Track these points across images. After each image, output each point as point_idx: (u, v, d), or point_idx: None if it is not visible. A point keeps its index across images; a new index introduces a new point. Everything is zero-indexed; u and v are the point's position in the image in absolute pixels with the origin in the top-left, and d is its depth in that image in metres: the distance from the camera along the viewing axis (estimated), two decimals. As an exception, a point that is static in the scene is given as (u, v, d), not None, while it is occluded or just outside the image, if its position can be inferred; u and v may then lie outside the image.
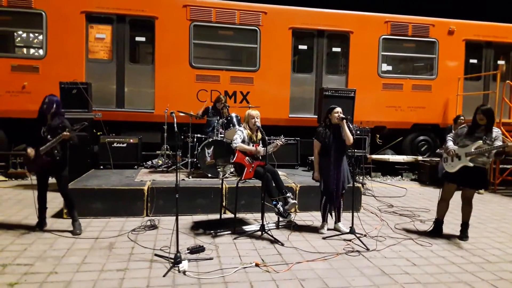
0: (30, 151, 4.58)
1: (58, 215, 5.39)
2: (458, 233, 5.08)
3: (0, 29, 8.61)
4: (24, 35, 9.06)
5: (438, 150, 8.85)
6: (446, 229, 5.13)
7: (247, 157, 5.00)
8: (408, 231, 5.24)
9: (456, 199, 5.04)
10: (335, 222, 5.14)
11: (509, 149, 4.63)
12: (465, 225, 4.97)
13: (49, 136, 4.56)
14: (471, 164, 4.68)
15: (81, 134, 4.83)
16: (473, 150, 4.67)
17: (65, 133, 4.54)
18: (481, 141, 4.65)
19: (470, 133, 4.80)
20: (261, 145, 5.16)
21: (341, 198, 5.05)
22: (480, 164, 4.73)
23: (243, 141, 5.04)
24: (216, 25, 8.96)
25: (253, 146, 5.09)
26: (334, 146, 4.88)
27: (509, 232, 5.39)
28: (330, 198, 4.96)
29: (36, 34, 8.79)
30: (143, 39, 9.22)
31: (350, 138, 4.85)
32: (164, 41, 8.69)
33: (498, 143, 4.64)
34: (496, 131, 4.73)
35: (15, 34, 8.89)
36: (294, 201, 5.01)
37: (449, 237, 5.00)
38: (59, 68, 8.10)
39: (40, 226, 4.82)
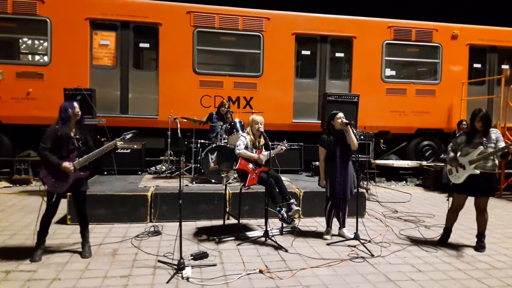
0: (69, 165, 3.94)
1: (62, 221, 5.39)
2: (465, 240, 5.05)
3: (5, 36, 8.70)
4: (29, 41, 9.14)
5: (442, 155, 8.80)
6: (452, 235, 5.05)
7: (250, 164, 4.98)
8: (413, 237, 5.20)
9: (467, 206, 4.89)
10: (340, 228, 5.11)
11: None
12: (480, 236, 4.79)
13: (82, 147, 4.08)
14: (477, 172, 4.52)
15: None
16: (476, 157, 4.52)
17: (119, 142, 4.09)
18: (482, 147, 4.49)
19: (469, 140, 4.66)
20: (263, 150, 5.16)
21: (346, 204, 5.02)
22: (488, 170, 4.57)
23: (246, 147, 5.03)
24: (219, 31, 9.00)
25: (256, 152, 5.08)
26: (339, 152, 4.86)
27: (515, 237, 5.33)
28: (337, 204, 4.93)
29: (41, 41, 8.86)
30: (147, 45, 9.28)
31: (355, 143, 4.83)
32: (168, 47, 8.73)
33: (501, 144, 4.49)
34: (495, 132, 4.59)
35: (20, 41, 8.97)
36: (297, 207, 4.97)
37: (455, 243, 4.95)
38: (64, 75, 8.16)
39: (39, 255, 4.05)
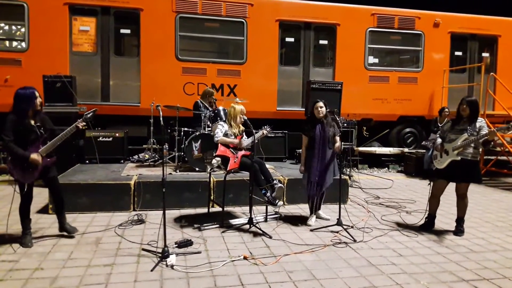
0: (37, 156, 3.91)
1: (44, 210, 5.31)
2: (444, 224, 5.16)
3: (-19, 21, 8.41)
4: (6, 27, 8.83)
5: (423, 142, 8.95)
6: (431, 220, 5.18)
7: (230, 149, 4.99)
8: (395, 222, 5.30)
9: (446, 191, 5.00)
10: (316, 210, 5.19)
11: (491, 136, 4.53)
12: (460, 220, 4.91)
13: (45, 134, 4.03)
14: (458, 158, 4.59)
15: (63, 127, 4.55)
16: (459, 143, 4.58)
17: (81, 123, 4.04)
18: (466, 134, 4.56)
19: (452, 127, 4.76)
20: (244, 136, 5.16)
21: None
22: (470, 157, 4.63)
23: (226, 135, 5.03)
24: (202, 17, 8.86)
25: (235, 138, 5.08)
26: (320, 139, 4.89)
27: (493, 222, 5.48)
28: (310, 188, 4.98)
29: (19, 27, 8.58)
30: (128, 31, 9.07)
31: (338, 146, 4.93)
32: (149, 33, 8.57)
33: (484, 132, 4.53)
34: (480, 121, 4.63)
35: (-4, 26, 8.69)
36: (280, 184, 5.00)
37: (435, 228, 5.05)
38: (42, 61, 7.94)
39: (30, 240, 4.10)
